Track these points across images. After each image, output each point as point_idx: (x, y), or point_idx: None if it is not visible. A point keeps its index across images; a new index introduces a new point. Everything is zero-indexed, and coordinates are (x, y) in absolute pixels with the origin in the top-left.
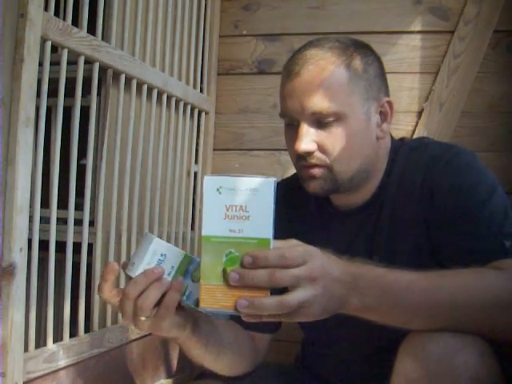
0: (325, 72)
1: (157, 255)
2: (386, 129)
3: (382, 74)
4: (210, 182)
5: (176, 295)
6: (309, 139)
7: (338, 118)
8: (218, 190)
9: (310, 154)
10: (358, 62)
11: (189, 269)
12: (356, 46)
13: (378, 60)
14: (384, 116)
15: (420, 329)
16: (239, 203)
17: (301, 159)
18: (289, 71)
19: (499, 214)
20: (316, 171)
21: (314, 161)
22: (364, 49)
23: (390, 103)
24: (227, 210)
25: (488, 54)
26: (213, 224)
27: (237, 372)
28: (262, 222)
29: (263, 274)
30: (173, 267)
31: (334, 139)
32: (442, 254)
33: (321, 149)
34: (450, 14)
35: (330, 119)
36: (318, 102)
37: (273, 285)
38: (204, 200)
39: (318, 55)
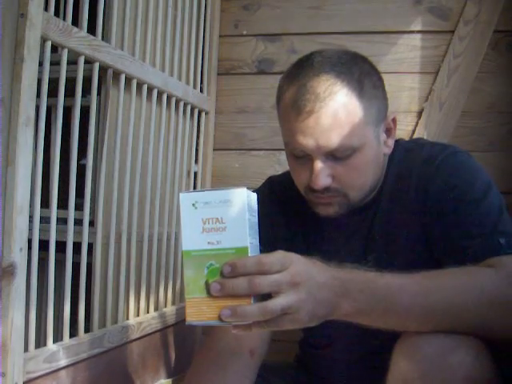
0: (340, 109)
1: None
2: (390, 144)
3: (384, 91)
4: (185, 199)
5: None
6: (325, 174)
7: (354, 150)
8: (193, 205)
9: (326, 188)
10: (367, 89)
11: None
12: (360, 67)
13: (379, 76)
14: (389, 132)
15: (414, 331)
16: (215, 215)
17: (313, 191)
18: (298, 107)
19: (494, 212)
20: (331, 200)
21: (330, 194)
22: (366, 66)
23: (394, 120)
24: (204, 224)
25: (488, 54)
26: (192, 238)
27: None
28: (238, 232)
29: (243, 281)
30: None
31: (350, 170)
32: (438, 252)
33: (336, 180)
34: (449, 14)
35: (347, 153)
36: (336, 141)
37: (253, 291)
38: (181, 216)
39: (328, 89)
